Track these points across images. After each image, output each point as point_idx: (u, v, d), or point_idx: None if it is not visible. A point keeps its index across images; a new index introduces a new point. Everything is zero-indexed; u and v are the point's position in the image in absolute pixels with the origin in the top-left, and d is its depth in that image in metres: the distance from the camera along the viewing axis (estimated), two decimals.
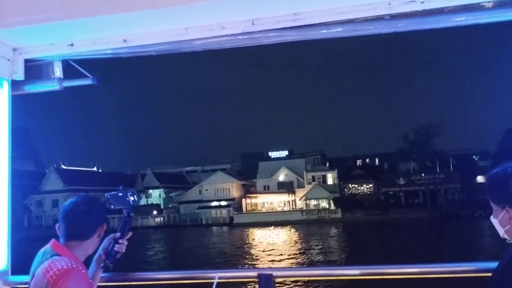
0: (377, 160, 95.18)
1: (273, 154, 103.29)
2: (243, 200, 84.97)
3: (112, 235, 2.64)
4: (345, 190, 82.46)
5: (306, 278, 2.79)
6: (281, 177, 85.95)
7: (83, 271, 2.29)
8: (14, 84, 2.89)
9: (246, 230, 66.81)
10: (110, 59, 2.85)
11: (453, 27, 2.53)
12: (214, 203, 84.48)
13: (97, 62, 2.88)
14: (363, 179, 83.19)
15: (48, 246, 2.38)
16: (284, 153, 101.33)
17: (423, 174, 77.16)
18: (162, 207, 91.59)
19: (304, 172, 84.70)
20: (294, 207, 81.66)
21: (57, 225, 2.45)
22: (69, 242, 2.38)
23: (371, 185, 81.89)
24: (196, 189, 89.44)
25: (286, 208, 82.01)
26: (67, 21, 2.57)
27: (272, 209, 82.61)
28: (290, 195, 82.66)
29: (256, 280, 2.55)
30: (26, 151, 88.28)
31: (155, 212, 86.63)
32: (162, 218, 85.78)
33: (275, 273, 2.56)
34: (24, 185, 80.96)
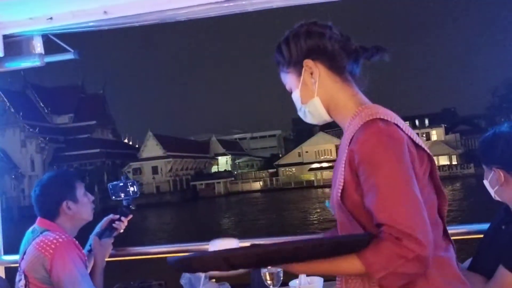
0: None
1: None
2: None
3: (111, 215, 2.64)
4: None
5: None
6: None
7: (75, 242, 2.32)
8: None
9: None
10: (92, 32, 2.77)
11: None
12: (315, 165, 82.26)
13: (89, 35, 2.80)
14: (477, 134, 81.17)
15: (35, 225, 2.39)
16: None
17: None
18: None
19: None
20: None
21: None
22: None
23: None
24: (295, 151, 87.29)
25: None
26: None
27: None
28: None
29: None
30: (105, 119, 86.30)
31: (232, 178, 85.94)
32: (261, 182, 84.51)
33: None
34: (112, 153, 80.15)
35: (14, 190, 68.79)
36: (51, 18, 2.70)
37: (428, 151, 1.47)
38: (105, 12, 2.68)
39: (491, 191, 2.06)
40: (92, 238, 2.57)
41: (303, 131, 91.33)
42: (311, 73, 1.58)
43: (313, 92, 1.59)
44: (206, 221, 41.24)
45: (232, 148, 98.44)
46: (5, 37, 2.80)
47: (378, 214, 1.31)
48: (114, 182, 2.66)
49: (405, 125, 1.45)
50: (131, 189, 2.66)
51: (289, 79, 1.66)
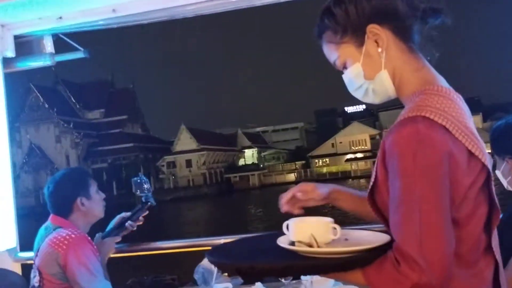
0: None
1: (349, 109, 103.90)
2: None
3: (123, 213, 2.63)
4: None
5: None
6: None
7: (87, 238, 2.36)
8: (6, 61, 2.86)
9: None
10: (101, 31, 2.78)
11: None
12: (350, 156, 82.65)
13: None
14: None
15: (48, 222, 2.42)
16: (362, 107, 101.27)
17: None
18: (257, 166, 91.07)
19: None
20: None
21: None
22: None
23: None
24: (328, 142, 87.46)
25: None
26: None
27: None
28: None
29: None
30: (135, 113, 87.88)
31: (266, 170, 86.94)
32: (295, 174, 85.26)
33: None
34: (144, 147, 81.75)
35: None
36: (60, 18, 2.73)
37: (485, 161, 1.22)
38: (113, 10, 2.69)
39: (504, 182, 2.04)
40: (96, 236, 2.58)
41: (326, 123, 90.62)
42: (376, 41, 1.32)
43: (380, 64, 1.33)
44: (248, 212, 42.08)
45: (256, 141, 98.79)
46: (16, 37, 2.84)
47: (392, 229, 1.18)
48: (134, 178, 2.65)
49: (460, 127, 1.20)
50: (145, 186, 2.66)
51: (343, 52, 1.37)
